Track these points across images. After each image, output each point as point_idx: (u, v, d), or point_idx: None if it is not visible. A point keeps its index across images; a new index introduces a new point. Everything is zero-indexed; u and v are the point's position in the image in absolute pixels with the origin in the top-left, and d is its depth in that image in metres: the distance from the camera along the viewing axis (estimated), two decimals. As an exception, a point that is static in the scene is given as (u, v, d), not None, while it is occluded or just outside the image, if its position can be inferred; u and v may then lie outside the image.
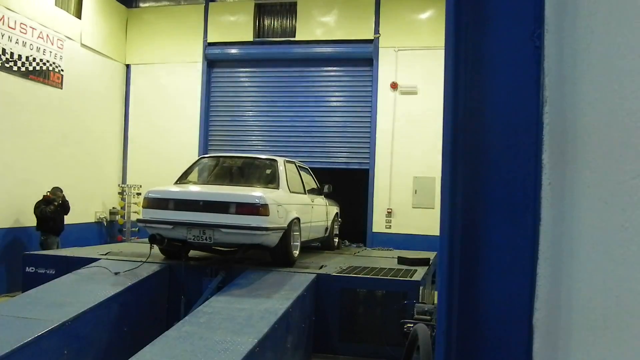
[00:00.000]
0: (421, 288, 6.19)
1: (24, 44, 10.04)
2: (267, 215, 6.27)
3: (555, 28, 1.36)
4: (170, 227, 6.46)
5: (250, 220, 6.25)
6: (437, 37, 10.73)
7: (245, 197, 6.46)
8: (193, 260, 7.12)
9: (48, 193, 9.74)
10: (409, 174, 11.47)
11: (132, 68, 13.26)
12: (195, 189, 7.19)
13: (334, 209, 9.45)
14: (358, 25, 12.00)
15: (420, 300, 5.65)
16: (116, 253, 7.46)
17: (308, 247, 8.45)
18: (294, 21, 12.45)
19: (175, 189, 6.96)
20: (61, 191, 9.91)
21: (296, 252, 7.13)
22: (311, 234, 7.98)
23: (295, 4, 12.41)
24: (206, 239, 6.41)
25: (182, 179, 7.47)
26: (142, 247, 7.86)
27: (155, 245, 6.66)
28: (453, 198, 1.49)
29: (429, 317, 4.23)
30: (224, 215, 6.32)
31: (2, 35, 9.55)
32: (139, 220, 7.10)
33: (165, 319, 6.39)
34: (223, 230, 6.29)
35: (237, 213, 6.30)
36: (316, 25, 12.34)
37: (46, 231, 9.60)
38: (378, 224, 11.70)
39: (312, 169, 9.26)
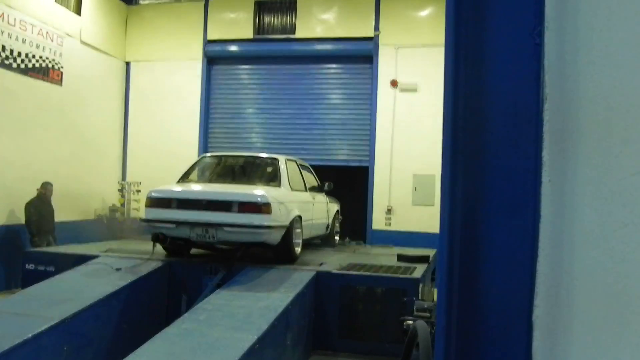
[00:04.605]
0: (421, 285, 6.19)
1: (24, 41, 10.02)
2: (270, 213, 6.29)
3: (555, 25, 1.36)
4: (174, 226, 6.48)
5: (253, 219, 6.28)
6: (437, 35, 10.69)
7: (248, 196, 6.48)
8: (193, 257, 7.13)
9: (40, 190, 9.68)
10: (409, 171, 11.47)
11: (132, 65, 13.23)
12: (197, 188, 7.22)
13: (335, 207, 9.47)
14: (358, 23, 11.98)
15: (419, 298, 5.66)
16: (116, 250, 7.46)
17: (308, 245, 8.46)
18: (293, 18, 12.42)
19: (178, 188, 6.99)
20: (51, 185, 9.86)
21: (298, 250, 7.16)
22: (312, 231, 8.01)
23: (295, 1, 12.38)
24: (209, 238, 6.43)
25: (185, 178, 7.49)
26: (141, 244, 7.86)
27: (157, 244, 6.69)
28: (453, 195, 1.50)
29: (428, 314, 4.22)
30: (226, 214, 6.35)
31: (2, 32, 9.53)
32: (142, 220, 7.12)
33: (165, 315, 6.39)
34: (226, 228, 6.31)
35: (239, 211, 6.33)
36: (316, 23, 12.32)
37: (35, 229, 9.50)
38: (378, 222, 11.70)
39: (312, 166, 9.26)
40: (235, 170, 7.87)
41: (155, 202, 6.65)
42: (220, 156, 8.40)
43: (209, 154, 8.96)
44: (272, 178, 7.32)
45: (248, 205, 6.35)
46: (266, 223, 6.29)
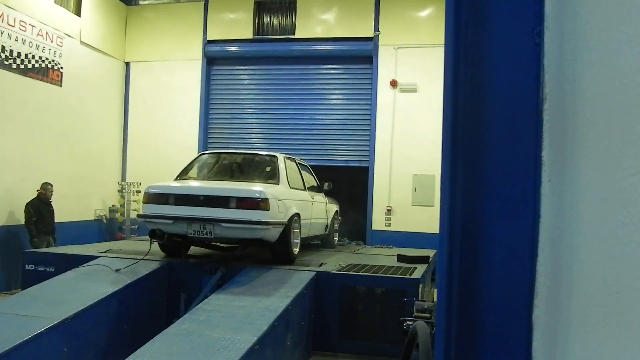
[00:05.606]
0: (421, 285, 6.19)
1: (24, 42, 10.02)
2: (268, 209, 6.29)
3: (555, 25, 1.36)
4: (171, 222, 6.48)
5: (251, 215, 6.27)
6: (436, 35, 10.71)
7: (246, 192, 6.48)
8: (192, 257, 7.13)
9: (40, 191, 9.69)
10: (409, 171, 11.48)
11: (132, 65, 13.24)
12: (195, 184, 7.23)
13: (334, 207, 9.47)
14: (358, 23, 11.99)
15: (419, 298, 5.66)
16: (116, 251, 7.46)
17: (308, 245, 8.46)
18: (293, 19, 12.43)
19: (175, 184, 7.01)
20: (51, 185, 9.86)
21: (296, 249, 7.14)
22: (311, 231, 8.00)
23: (294, 1, 12.39)
24: (206, 234, 6.42)
25: (182, 174, 7.49)
26: (141, 244, 7.87)
27: (155, 241, 6.67)
28: (452, 195, 1.49)
29: (428, 315, 4.22)
30: (224, 209, 6.34)
31: (2, 33, 9.53)
32: (139, 216, 7.12)
33: (164, 316, 6.40)
34: (223, 224, 6.31)
35: (237, 207, 6.32)
36: (316, 23, 12.33)
37: (35, 230, 9.50)
38: (378, 222, 11.71)
39: (311, 166, 9.27)
40: (234, 167, 7.89)
41: (153, 197, 6.65)
42: (219, 154, 8.41)
43: (207, 152, 8.98)
44: (271, 175, 7.33)
45: (246, 201, 6.34)
46: (264, 219, 6.28)
